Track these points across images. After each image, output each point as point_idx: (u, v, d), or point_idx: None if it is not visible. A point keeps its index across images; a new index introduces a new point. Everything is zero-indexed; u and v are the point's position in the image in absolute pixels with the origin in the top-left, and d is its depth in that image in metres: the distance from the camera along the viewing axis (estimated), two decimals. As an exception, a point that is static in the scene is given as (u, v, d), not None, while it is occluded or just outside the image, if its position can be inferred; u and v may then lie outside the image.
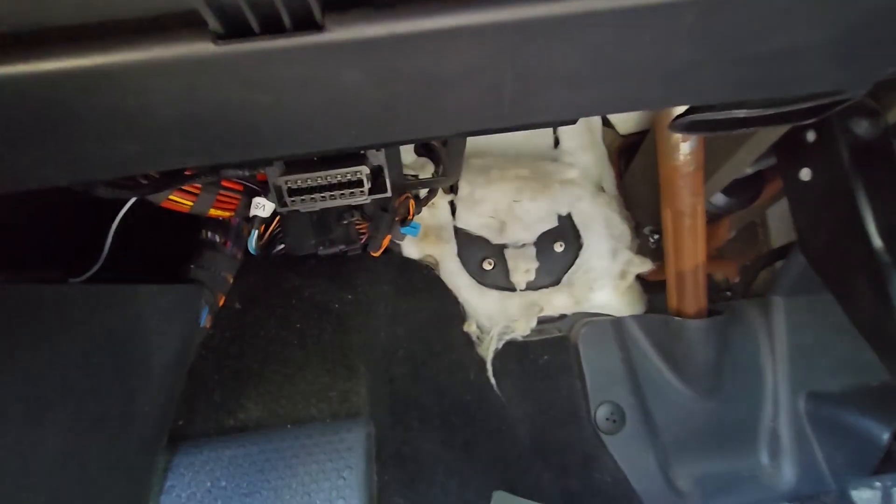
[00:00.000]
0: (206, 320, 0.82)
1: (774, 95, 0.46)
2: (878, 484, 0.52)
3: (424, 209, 1.07)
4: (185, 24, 0.29)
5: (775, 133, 0.84)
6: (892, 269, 0.74)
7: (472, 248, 1.14)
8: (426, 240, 1.09)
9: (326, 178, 0.64)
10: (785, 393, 1.09)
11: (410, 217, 1.01)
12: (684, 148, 0.90)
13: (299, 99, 0.35)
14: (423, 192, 1.01)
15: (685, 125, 0.56)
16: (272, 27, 0.29)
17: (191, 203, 0.78)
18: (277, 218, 0.97)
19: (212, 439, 0.74)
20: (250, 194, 0.84)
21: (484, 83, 0.36)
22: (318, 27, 0.29)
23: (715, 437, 1.08)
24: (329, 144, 0.42)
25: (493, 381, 1.04)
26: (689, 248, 0.98)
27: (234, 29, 0.29)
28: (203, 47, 0.29)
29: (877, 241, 0.75)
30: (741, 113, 0.53)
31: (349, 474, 0.72)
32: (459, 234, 1.13)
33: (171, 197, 0.75)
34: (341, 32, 0.29)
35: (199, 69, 0.31)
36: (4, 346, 0.54)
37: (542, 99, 0.40)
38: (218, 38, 0.29)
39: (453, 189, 1.12)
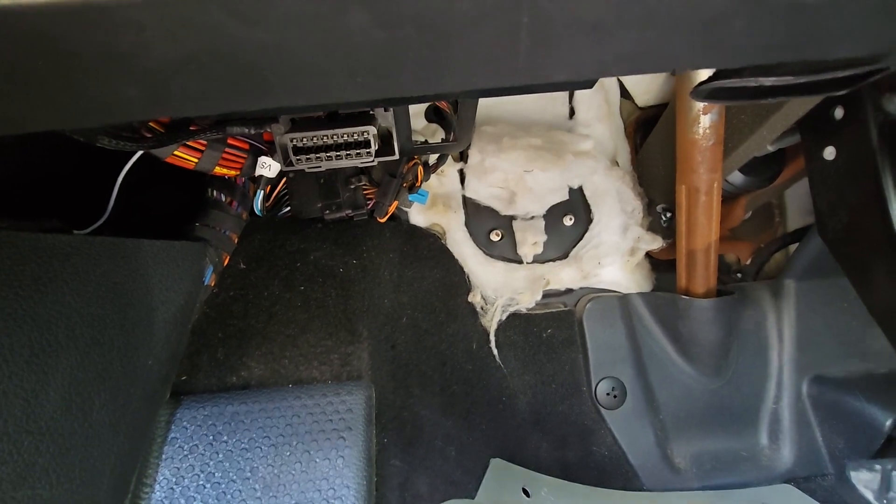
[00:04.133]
0: (210, 279, 0.82)
1: (808, 57, 0.43)
2: (877, 466, 0.52)
3: (433, 177, 1.06)
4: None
5: (801, 108, 0.81)
6: (913, 254, 0.72)
7: (481, 219, 1.12)
8: (434, 208, 1.07)
9: (333, 138, 0.63)
10: (790, 376, 1.08)
11: (419, 184, 1.00)
12: (704, 121, 0.86)
13: (302, 39, 0.33)
14: (432, 159, 0.99)
15: (709, 92, 0.53)
16: (273, -44, 0.27)
17: (195, 160, 0.77)
18: (284, 180, 0.96)
19: (214, 395, 0.75)
20: (256, 153, 0.83)
21: (497, 29, 0.34)
22: (322, -42, 0.27)
23: (715, 417, 1.08)
24: (334, 95, 0.41)
25: (495, 352, 1.04)
26: (703, 227, 0.96)
27: (233, -43, 0.27)
28: (201, -23, 0.27)
29: (899, 225, 0.73)
30: (769, 81, 0.50)
31: (349, 435, 0.73)
32: (468, 203, 1.12)
33: (176, 153, 0.74)
34: (348, -35, 0.27)
35: (198, 4, 0.29)
36: (8, 291, 0.54)
37: (560, 51, 0.38)
38: (216, -35, 0.27)
39: (463, 157, 1.09)
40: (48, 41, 0.32)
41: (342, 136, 0.63)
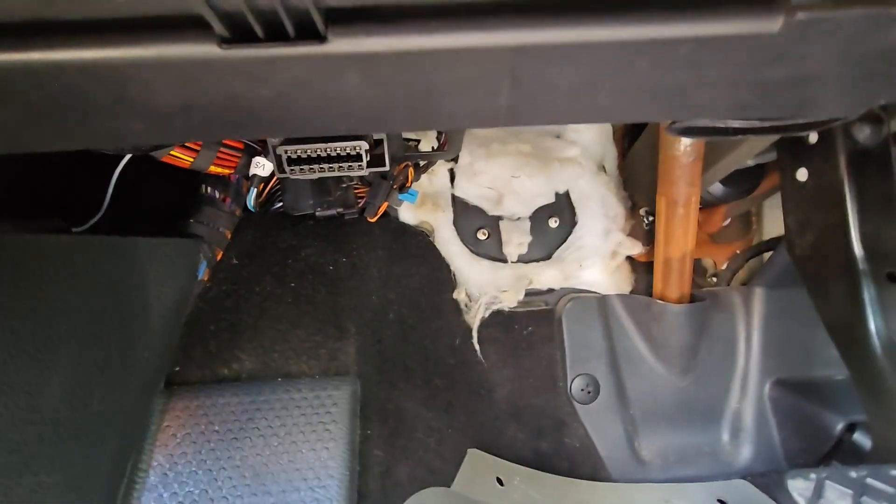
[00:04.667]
0: (203, 273, 0.85)
1: (769, 118, 0.46)
2: (812, 475, 0.57)
3: (423, 175, 1.08)
4: (192, 27, 0.29)
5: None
6: (868, 278, 0.77)
7: (468, 218, 1.15)
8: (423, 206, 1.10)
9: (326, 151, 0.65)
10: (754, 378, 1.14)
11: (409, 184, 1.02)
12: (685, 139, 0.90)
13: (299, 95, 0.36)
14: (422, 160, 1.01)
15: (681, 129, 0.56)
16: (276, 35, 0.30)
17: (191, 159, 0.79)
18: (276, 177, 0.98)
19: (207, 386, 0.79)
20: (251, 153, 0.85)
21: (481, 92, 0.37)
22: (320, 38, 0.30)
23: (682, 414, 1.14)
24: (326, 132, 0.43)
25: (477, 347, 1.09)
26: (679, 237, 1.00)
27: (240, 35, 0.29)
28: (208, 49, 0.30)
29: (858, 250, 0.77)
30: (736, 123, 0.54)
31: (334, 427, 0.78)
32: (456, 202, 1.15)
33: (172, 152, 0.76)
34: (343, 44, 0.30)
35: (203, 68, 0.32)
36: (13, 290, 0.57)
37: (539, 106, 0.41)
38: (223, 41, 0.30)
39: (454, 157, 1.12)
40: (69, 87, 0.34)
41: (335, 150, 0.65)
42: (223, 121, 0.40)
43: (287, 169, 0.67)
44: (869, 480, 0.57)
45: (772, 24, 0.30)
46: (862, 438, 0.97)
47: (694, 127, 0.56)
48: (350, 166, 0.67)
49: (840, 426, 1.00)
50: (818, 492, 0.57)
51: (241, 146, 0.84)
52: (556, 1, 0.29)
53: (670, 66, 0.34)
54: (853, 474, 0.58)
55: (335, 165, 0.66)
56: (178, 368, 0.80)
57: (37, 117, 0.39)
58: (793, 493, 0.58)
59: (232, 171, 0.85)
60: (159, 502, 0.69)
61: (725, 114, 0.44)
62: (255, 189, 0.93)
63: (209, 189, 0.86)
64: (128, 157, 0.80)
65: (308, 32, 0.30)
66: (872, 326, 0.76)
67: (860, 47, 0.32)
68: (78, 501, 0.61)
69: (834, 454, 1.01)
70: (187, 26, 0.29)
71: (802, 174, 0.87)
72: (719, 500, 1.01)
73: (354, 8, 0.29)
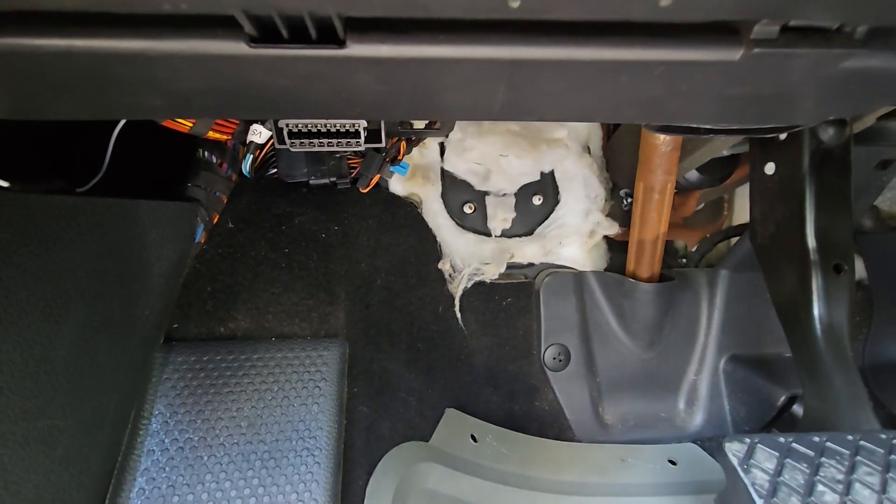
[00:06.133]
0: (200, 236, 0.88)
1: (736, 127, 0.52)
2: (747, 440, 0.66)
3: (414, 149, 1.11)
4: (224, 26, 0.32)
5: (751, 127, 0.90)
6: (817, 267, 0.85)
7: (456, 191, 1.19)
8: (413, 179, 1.14)
9: (326, 126, 0.68)
10: (711, 354, 1.24)
11: (401, 157, 1.06)
12: (666, 129, 0.94)
13: (314, 87, 0.40)
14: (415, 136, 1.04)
15: (659, 128, 0.61)
16: (300, 38, 0.33)
17: (190, 124, 0.80)
18: (271, 143, 1.01)
19: (204, 343, 0.83)
20: (249, 121, 0.87)
21: (479, 92, 0.41)
22: (339, 42, 0.33)
23: (643, 383, 1.24)
24: (334, 117, 0.47)
25: (458, 315, 1.15)
26: (653, 221, 1.06)
27: (267, 35, 0.33)
28: (237, 47, 0.33)
29: (811, 241, 0.85)
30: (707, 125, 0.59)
31: (324, 385, 0.84)
32: (445, 175, 1.18)
33: (172, 117, 0.78)
34: (359, 49, 0.34)
35: (229, 62, 0.35)
36: (25, 249, 0.60)
37: (531, 106, 0.45)
38: (252, 41, 0.33)
39: (446, 135, 1.15)
40: (101, 69, 0.37)
41: (334, 126, 0.68)
42: (239, 104, 0.43)
43: (288, 141, 0.70)
44: (794, 445, 0.66)
45: (733, 54, 0.34)
46: (799, 409, 1.08)
47: (670, 126, 0.61)
48: (348, 142, 0.70)
49: (783, 398, 1.11)
50: (749, 453, 0.65)
51: (238, 114, 0.86)
52: (549, 23, 0.33)
53: (647, 81, 0.39)
54: (781, 440, 0.66)
55: (334, 141, 0.70)
56: (176, 325, 0.84)
57: (64, 91, 0.41)
58: (728, 454, 0.67)
59: (229, 138, 0.87)
60: (161, 447, 0.75)
61: (696, 120, 0.49)
62: (252, 155, 0.95)
63: (206, 153, 0.88)
64: (124, 120, 0.81)
65: (329, 37, 0.33)
66: (816, 311, 0.84)
67: (808, 76, 0.37)
68: (88, 444, 0.66)
69: (774, 423, 1.12)
70: (220, 26, 0.33)
71: (770, 168, 0.93)
72: (670, 461, 1.11)
73: (372, 18, 0.33)
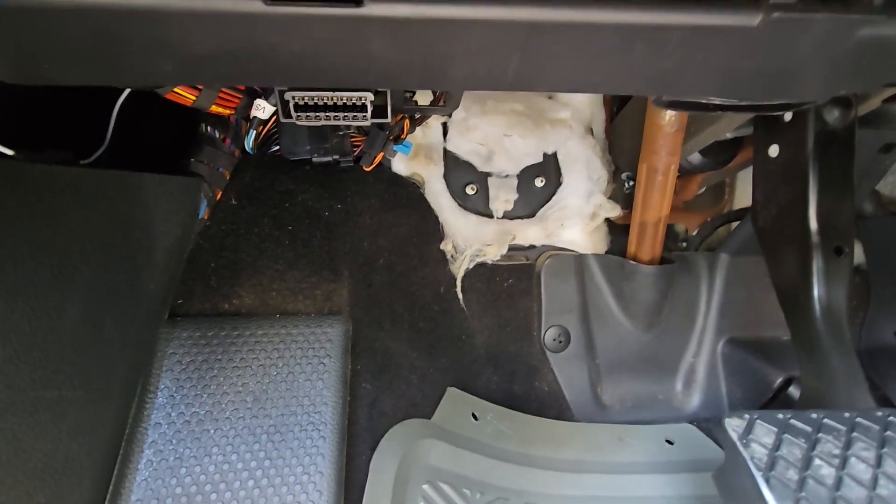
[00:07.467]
0: (204, 212, 0.88)
1: (745, 104, 0.52)
2: (746, 416, 0.67)
3: (418, 128, 1.11)
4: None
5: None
6: (818, 250, 0.85)
7: (459, 172, 1.19)
8: (416, 158, 1.13)
9: (332, 99, 0.67)
10: (709, 336, 1.25)
11: (404, 136, 1.05)
12: (670, 111, 0.94)
13: (328, 52, 0.39)
14: (420, 114, 1.04)
15: (668, 102, 0.61)
16: (317, -3, 0.33)
17: (194, 97, 0.80)
18: (274, 119, 1.00)
19: (209, 318, 0.84)
20: (252, 95, 0.86)
21: (493, 59, 0.41)
22: (356, 2, 0.33)
23: (642, 365, 1.25)
24: (346, 84, 0.47)
25: (460, 296, 1.16)
26: (656, 203, 1.06)
27: (284, -6, 0.32)
28: (253, 4, 0.33)
29: (813, 224, 0.85)
30: (717, 100, 0.59)
31: (328, 361, 0.84)
32: (448, 156, 1.18)
33: (175, 89, 0.77)
34: (376, 9, 0.33)
35: (244, 20, 0.35)
36: (31, 219, 0.60)
37: (543, 75, 0.45)
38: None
39: (450, 112, 1.14)
40: (112, 28, 0.37)
41: (341, 99, 0.68)
42: (250, 69, 0.43)
43: (294, 115, 0.69)
44: (792, 421, 0.67)
45: (751, 20, 0.34)
46: (795, 391, 1.09)
47: (679, 101, 0.61)
48: (354, 116, 0.69)
49: (779, 380, 1.13)
50: (749, 429, 0.67)
51: (242, 87, 0.85)
52: (569, -15, 0.33)
53: (663, 48, 0.39)
54: (780, 416, 0.68)
55: (340, 114, 0.69)
56: (180, 301, 0.85)
57: (72, 54, 0.41)
58: (728, 430, 0.68)
59: (232, 112, 0.86)
60: (168, 420, 0.75)
61: (708, 93, 0.49)
62: (255, 131, 0.95)
63: (209, 128, 0.88)
64: (128, 91, 0.80)
65: (347, -3, 0.33)
66: (816, 293, 0.85)
67: (825, 44, 0.37)
68: (96, 415, 0.66)
69: (770, 405, 1.13)
70: (237, -17, 0.32)
71: (774, 150, 0.93)
72: (667, 440, 1.13)
73: (390, -22, 0.32)
